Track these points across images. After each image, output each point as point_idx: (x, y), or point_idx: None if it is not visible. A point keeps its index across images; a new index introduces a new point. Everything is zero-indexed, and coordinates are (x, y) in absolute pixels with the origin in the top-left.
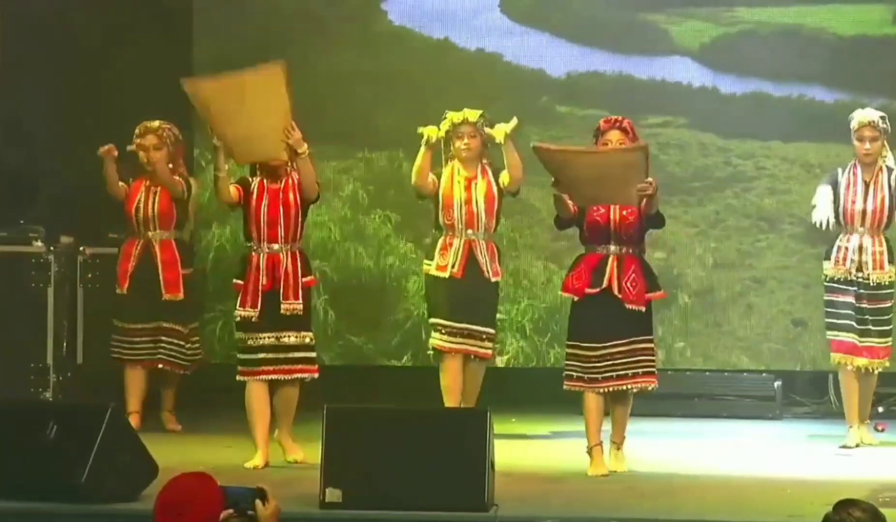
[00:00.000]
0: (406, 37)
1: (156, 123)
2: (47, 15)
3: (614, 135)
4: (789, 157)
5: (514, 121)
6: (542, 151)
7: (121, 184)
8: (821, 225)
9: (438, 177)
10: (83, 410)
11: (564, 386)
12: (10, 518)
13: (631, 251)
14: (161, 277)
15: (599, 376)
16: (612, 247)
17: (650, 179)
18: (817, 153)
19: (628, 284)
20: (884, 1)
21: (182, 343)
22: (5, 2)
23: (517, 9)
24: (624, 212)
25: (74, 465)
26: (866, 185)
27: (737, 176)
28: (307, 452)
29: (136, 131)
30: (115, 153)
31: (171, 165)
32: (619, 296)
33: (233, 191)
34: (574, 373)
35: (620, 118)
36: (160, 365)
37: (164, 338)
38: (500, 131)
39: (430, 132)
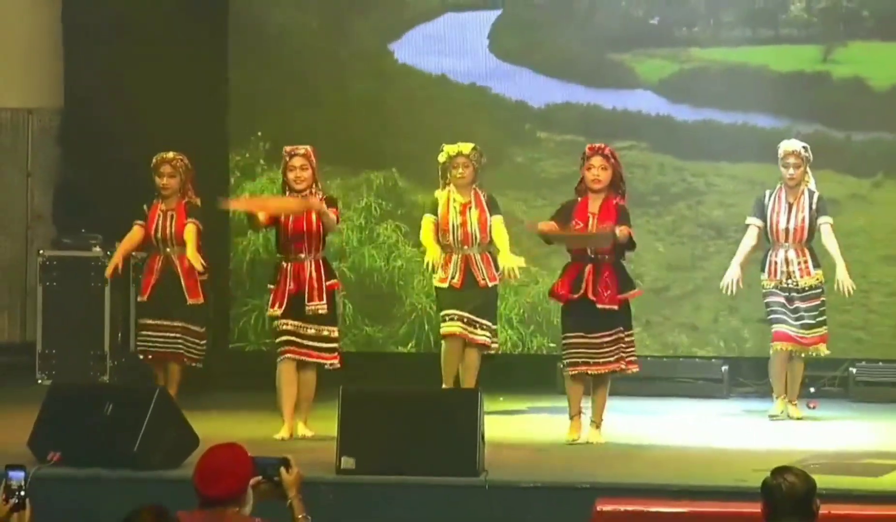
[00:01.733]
0: (409, 73)
1: (170, 154)
2: (105, 59)
3: (597, 161)
4: (735, 175)
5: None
6: (531, 228)
7: (136, 225)
8: (724, 289)
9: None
10: (135, 391)
11: (570, 372)
12: (74, 483)
13: (607, 259)
14: (183, 285)
15: (591, 361)
16: (589, 259)
17: (623, 231)
18: (759, 172)
19: (602, 289)
20: (815, 42)
21: (198, 340)
22: (69, 54)
23: (503, 50)
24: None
25: (128, 438)
26: (790, 206)
27: (690, 191)
28: (327, 426)
29: (153, 162)
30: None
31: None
32: (594, 299)
33: (263, 218)
34: (579, 360)
35: (603, 145)
36: (176, 360)
37: (182, 337)
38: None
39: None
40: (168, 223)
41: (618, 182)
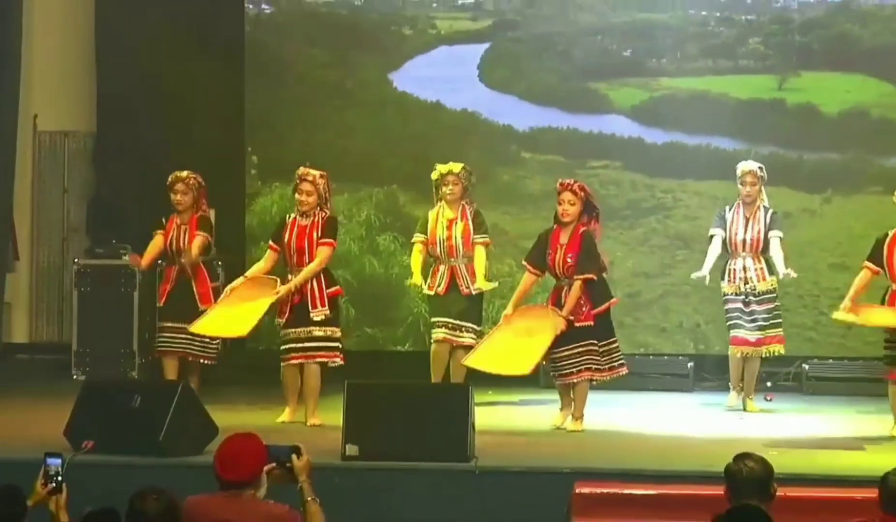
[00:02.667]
0: (407, 100)
1: (184, 173)
2: (133, 88)
3: (566, 196)
4: (700, 192)
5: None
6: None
7: (156, 234)
8: (694, 277)
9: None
10: (161, 386)
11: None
12: (106, 469)
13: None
14: (196, 292)
15: (572, 370)
16: (564, 283)
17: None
18: (721, 189)
19: (577, 309)
20: (771, 73)
21: (210, 341)
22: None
23: (492, 79)
24: (568, 259)
25: (154, 428)
26: (746, 220)
27: (659, 206)
28: (333, 416)
29: (168, 180)
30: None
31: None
32: (572, 318)
33: (271, 255)
34: (564, 370)
35: (572, 182)
36: (190, 358)
37: (197, 338)
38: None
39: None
40: (181, 235)
41: (588, 210)
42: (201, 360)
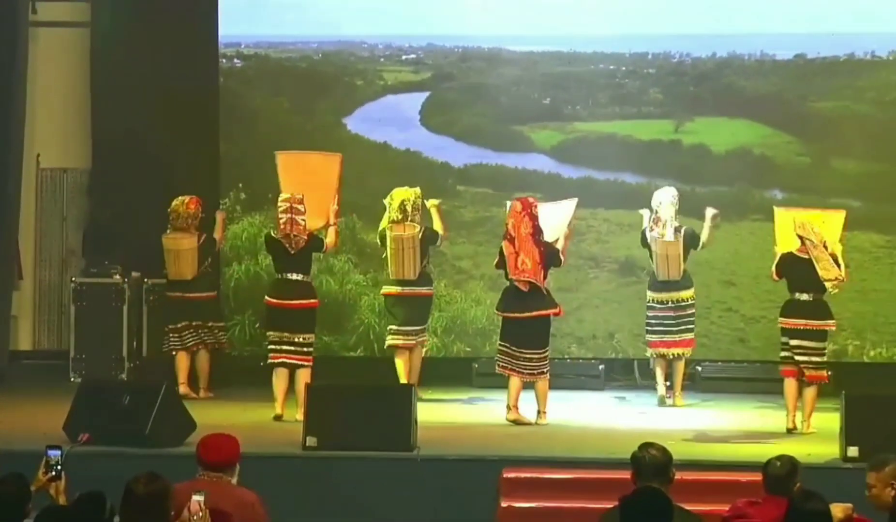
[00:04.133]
0: (358, 140)
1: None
2: (123, 131)
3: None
4: (608, 219)
5: (438, 201)
6: None
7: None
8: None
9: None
10: (147, 386)
11: (497, 370)
12: (99, 458)
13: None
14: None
15: (524, 370)
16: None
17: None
18: (626, 217)
19: None
20: (669, 118)
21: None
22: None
23: (431, 123)
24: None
25: (141, 422)
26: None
27: (575, 232)
28: (295, 412)
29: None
30: None
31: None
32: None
33: None
34: (506, 364)
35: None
36: (198, 348)
37: (200, 331)
38: (431, 204)
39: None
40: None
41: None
42: (208, 347)
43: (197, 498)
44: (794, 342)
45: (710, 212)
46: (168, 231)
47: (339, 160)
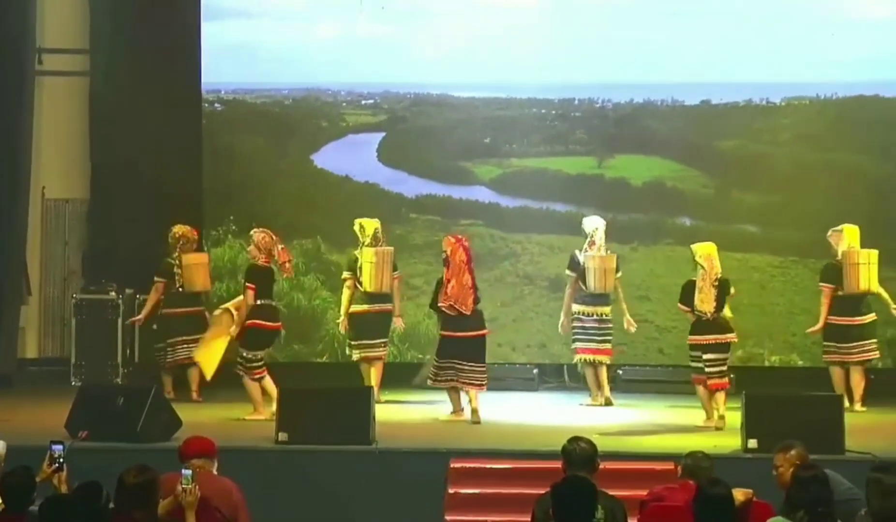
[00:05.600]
0: (324, 174)
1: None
2: (118, 165)
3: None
4: (541, 243)
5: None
6: None
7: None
8: (562, 331)
9: (354, 261)
10: (139, 389)
11: (437, 385)
12: (97, 452)
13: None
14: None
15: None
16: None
17: None
18: (557, 241)
19: None
20: (592, 155)
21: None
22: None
23: (387, 159)
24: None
25: (134, 420)
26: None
27: (511, 254)
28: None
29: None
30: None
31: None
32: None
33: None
34: (444, 377)
35: (460, 236)
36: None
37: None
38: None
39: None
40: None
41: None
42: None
43: (186, 473)
44: (705, 356)
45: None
46: (176, 253)
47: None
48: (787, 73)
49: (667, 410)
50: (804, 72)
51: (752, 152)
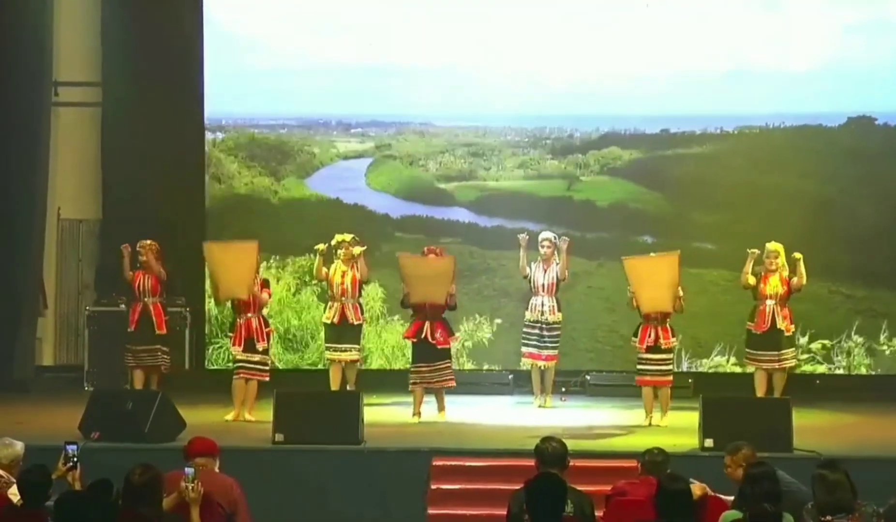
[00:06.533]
0: (316, 197)
1: (147, 241)
2: (127, 188)
3: (432, 257)
4: (516, 259)
5: (363, 248)
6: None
7: (129, 272)
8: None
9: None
10: (147, 393)
11: (410, 388)
12: (108, 452)
13: (437, 318)
14: (153, 321)
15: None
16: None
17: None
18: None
19: (438, 335)
20: (562, 179)
21: (166, 357)
22: (107, 189)
23: (374, 183)
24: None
25: (142, 422)
26: (544, 271)
27: (488, 269)
28: (266, 414)
29: (137, 247)
30: (129, 250)
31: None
32: (433, 342)
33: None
34: (418, 380)
35: (435, 247)
36: (156, 369)
37: (158, 354)
38: (358, 251)
39: (319, 248)
40: (146, 281)
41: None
42: (162, 369)
43: (189, 471)
44: (647, 356)
45: (563, 242)
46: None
47: (255, 247)
48: (739, 106)
49: (631, 412)
50: (755, 105)
51: (706, 176)
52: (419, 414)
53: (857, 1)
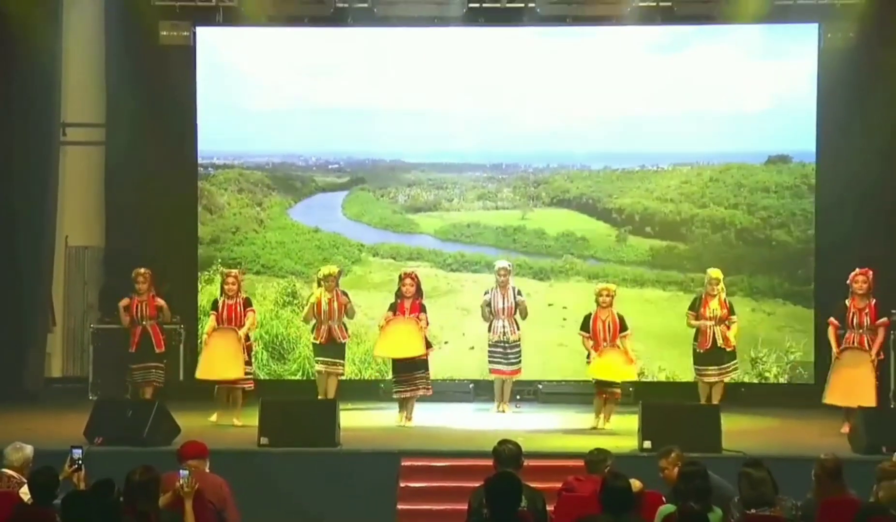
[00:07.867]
0: (298, 226)
1: (143, 269)
2: (127, 220)
3: (408, 281)
4: (476, 281)
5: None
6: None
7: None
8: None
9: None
10: (145, 403)
11: (394, 396)
12: (110, 455)
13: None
14: (153, 341)
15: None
16: None
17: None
18: (489, 280)
19: None
20: (517, 210)
21: (161, 372)
22: (110, 218)
23: (350, 213)
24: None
25: (140, 428)
26: (503, 296)
27: (452, 290)
28: (252, 419)
29: (133, 275)
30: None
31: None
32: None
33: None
34: (399, 388)
35: (412, 272)
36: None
37: (152, 371)
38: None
39: (314, 297)
40: (144, 307)
41: (418, 291)
42: (156, 384)
43: (183, 473)
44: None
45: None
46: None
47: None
48: (674, 146)
49: (577, 416)
50: (687, 145)
51: (644, 207)
52: (410, 419)
53: (778, 53)
